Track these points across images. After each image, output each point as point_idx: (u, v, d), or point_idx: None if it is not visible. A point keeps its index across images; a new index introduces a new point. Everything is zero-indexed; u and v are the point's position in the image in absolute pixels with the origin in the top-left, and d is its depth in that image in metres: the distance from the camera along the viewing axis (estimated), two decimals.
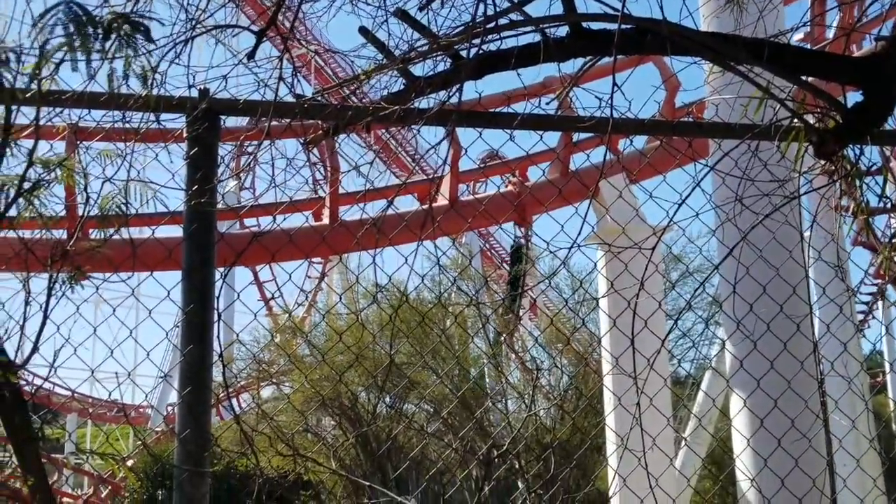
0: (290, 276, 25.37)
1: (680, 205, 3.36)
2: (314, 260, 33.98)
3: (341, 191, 13.20)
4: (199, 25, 2.79)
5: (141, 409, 36.81)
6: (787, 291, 4.49)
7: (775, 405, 4.25)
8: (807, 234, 4.75)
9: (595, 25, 3.48)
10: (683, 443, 15.92)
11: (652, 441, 3.50)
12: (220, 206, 3.63)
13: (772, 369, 4.21)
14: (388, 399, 20.62)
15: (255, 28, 3.34)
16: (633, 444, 3.52)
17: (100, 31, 2.00)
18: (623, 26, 3.17)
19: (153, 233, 3.75)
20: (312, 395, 18.25)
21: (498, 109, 4.02)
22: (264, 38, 3.09)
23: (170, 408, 36.06)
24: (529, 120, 3.55)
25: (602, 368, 12.92)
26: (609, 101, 2.76)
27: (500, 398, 18.89)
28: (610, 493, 9.85)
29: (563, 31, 3.53)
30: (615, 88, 2.77)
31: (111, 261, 3.31)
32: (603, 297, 3.65)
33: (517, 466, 15.30)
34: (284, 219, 4.55)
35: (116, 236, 3.21)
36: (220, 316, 3.35)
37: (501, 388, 19.26)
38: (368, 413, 20.23)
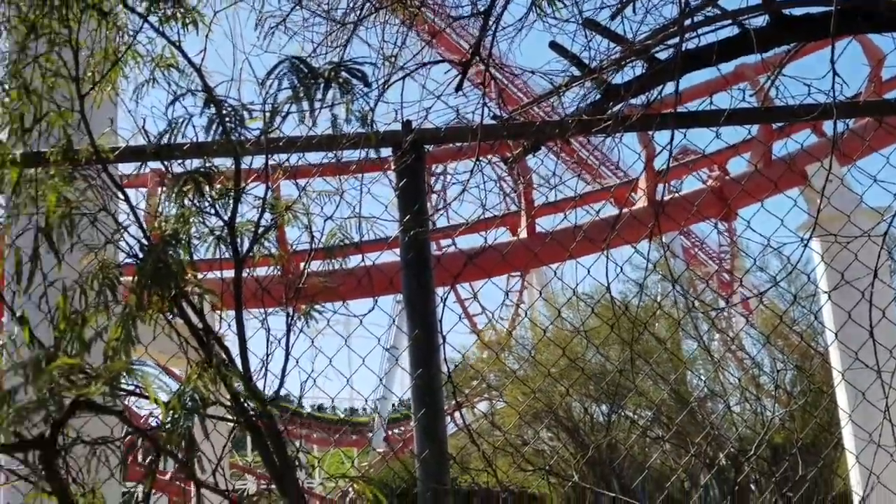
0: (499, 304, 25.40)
1: None
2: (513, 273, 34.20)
3: (537, 201, 13.26)
4: (401, 65, 2.90)
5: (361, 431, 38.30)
6: None
7: None
8: None
9: (796, 11, 3.36)
10: None
11: None
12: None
13: None
14: (603, 408, 20.40)
15: (451, 59, 3.44)
16: (878, 438, 3.35)
17: (321, 81, 2.14)
18: (827, 8, 3.05)
19: (374, 262, 3.89)
20: (528, 408, 18.29)
21: (699, 104, 3.94)
22: (470, 67, 3.17)
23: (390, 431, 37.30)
24: (738, 115, 3.46)
25: (830, 361, 12.29)
26: (831, 87, 2.63)
27: (722, 399, 18.31)
28: (862, 494, 9.32)
29: (756, 21, 3.43)
30: (834, 73, 2.66)
31: (337, 292, 3.48)
32: (834, 289, 3.47)
33: (752, 469, 14.79)
34: (496, 238, 4.62)
35: (338, 267, 3.35)
36: (444, 339, 3.44)
37: (721, 389, 18.67)
38: (587, 423, 20.08)
